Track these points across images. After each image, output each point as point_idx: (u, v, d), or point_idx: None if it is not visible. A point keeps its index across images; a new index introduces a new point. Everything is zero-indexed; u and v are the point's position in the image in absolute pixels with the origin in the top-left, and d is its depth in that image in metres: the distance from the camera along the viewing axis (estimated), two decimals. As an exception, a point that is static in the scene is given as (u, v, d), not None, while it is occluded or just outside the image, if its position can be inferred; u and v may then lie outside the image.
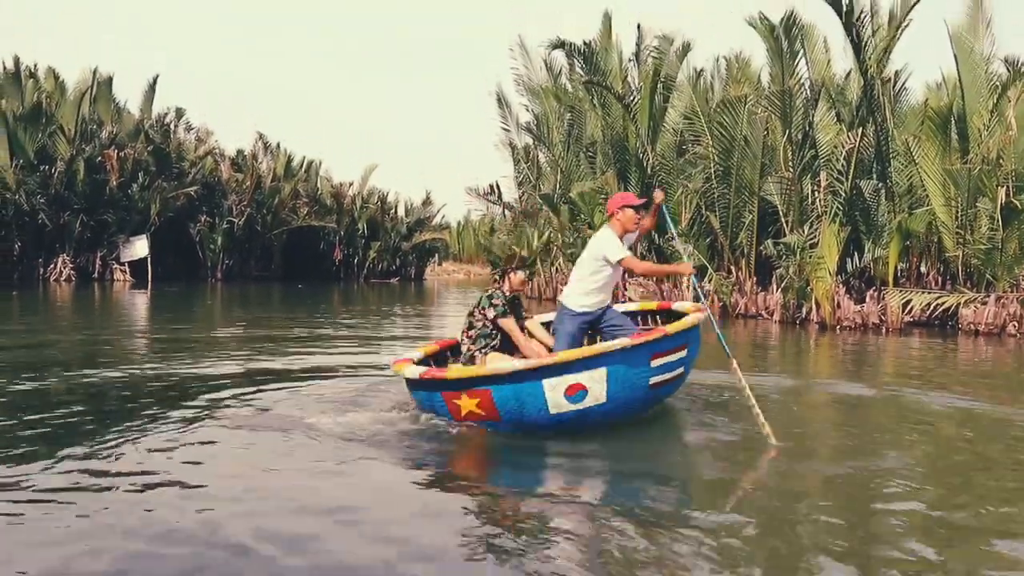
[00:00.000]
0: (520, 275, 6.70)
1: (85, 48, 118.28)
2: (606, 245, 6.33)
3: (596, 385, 5.72)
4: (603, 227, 6.55)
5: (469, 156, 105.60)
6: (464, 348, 6.56)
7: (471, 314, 6.58)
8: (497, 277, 6.84)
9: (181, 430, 5.76)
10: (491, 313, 6.47)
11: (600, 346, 5.86)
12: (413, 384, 6.16)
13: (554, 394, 5.69)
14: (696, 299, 6.96)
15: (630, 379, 5.81)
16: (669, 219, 7.13)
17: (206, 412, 6.38)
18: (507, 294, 6.63)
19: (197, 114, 78.15)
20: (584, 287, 6.42)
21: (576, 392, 5.71)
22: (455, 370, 6.00)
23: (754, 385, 6.37)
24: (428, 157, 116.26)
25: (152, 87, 35.46)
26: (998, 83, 16.97)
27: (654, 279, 20.63)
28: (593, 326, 6.53)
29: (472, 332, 6.52)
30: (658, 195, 6.66)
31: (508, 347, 6.53)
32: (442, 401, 5.91)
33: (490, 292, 6.57)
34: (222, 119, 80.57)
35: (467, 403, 5.78)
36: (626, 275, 16.55)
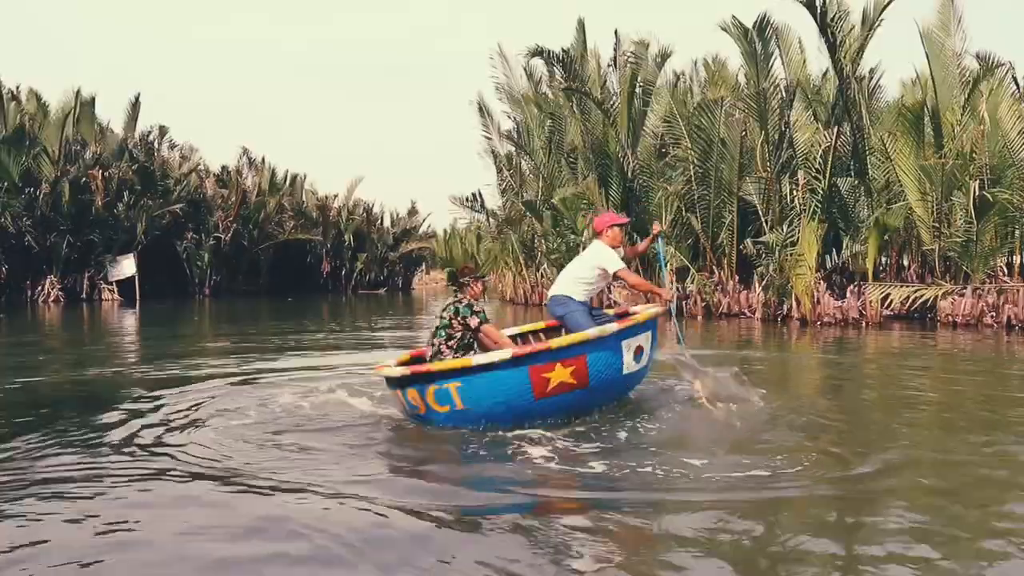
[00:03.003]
0: (480, 285, 6.88)
1: (68, 70, 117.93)
2: (604, 257, 7.03)
3: (647, 345, 6.69)
4: (595, 241, 7.21)
5: (454, 165, 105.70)
6: (444, 358, 6.55)
7: (448, 326, 6.60)
8: (456, 288, 6.93)
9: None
10: (474, 321, 6.57)
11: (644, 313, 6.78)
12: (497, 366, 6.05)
13: (628, 355, 6.44)
14: (677, 341, 7.47)
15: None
16: (662, 253, 8.23)
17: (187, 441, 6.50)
18: (474, 301, 6.76)
19: (183, 136, 78.22)
20: (582, 287, 7.05)
21: (639, 352, 6.55)
22: (555, 340, 6.28)
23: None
24: (413, 167, 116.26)
25: (135, 106, 35.48)
26: (970, 79, 17.24)
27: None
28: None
29: (452, 342, 6.58)
30: (656, 227, 7.48)
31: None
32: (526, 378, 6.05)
33: (467, 302, 6.64)
34: (209, 144, 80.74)
35: (560, 373, 6.07)
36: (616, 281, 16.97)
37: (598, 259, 7.04)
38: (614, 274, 6.99)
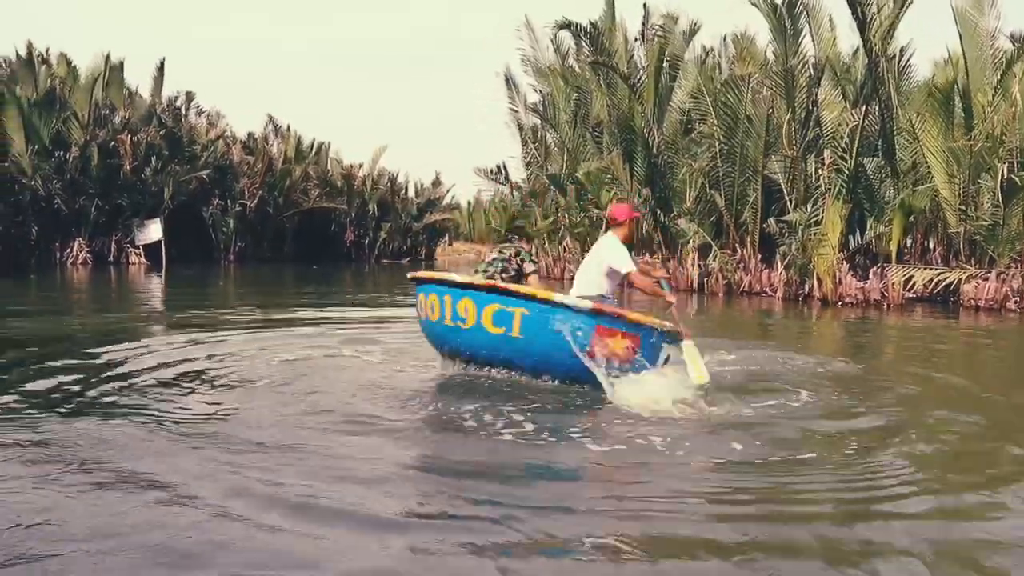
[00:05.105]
0: (527, 243, 7.26)
1: (95, 34, 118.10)
2: (614, 255, 6.59)
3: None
4: (608, 234, 6.84)
5: (479, 136, 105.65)
6: None
7: (505, 260, 7.19)
8: (513, 237, 7.68)
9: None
10: (530, 267, 7.22)
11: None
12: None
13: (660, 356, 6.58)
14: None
15: None
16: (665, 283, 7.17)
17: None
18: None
19: (208, 100, 78.37)
20: (598, 289, 6.65)
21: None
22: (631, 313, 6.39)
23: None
24: (438, 137, 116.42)
25: (160, 71, 35.66)
26: (1003, 59, 17.01)
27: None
28: None
29: (505, 276, 7.09)
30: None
31: None
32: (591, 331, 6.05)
33: (529, 249, 7.48)
34: (232, 107, 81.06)
35: (619, 343, 6.11)
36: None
37: (608, 257, 6.63)
38: (625, 275, 6.57)
